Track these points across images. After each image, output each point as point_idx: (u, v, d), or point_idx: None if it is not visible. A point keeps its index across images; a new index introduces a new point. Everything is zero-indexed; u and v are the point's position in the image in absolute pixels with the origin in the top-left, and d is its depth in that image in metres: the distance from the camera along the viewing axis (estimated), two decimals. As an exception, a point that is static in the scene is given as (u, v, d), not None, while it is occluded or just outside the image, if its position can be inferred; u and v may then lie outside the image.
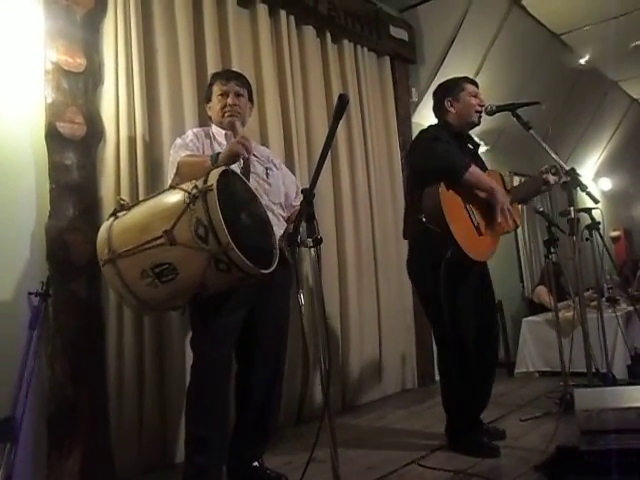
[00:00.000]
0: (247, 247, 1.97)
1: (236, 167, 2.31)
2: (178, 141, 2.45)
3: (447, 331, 2.58)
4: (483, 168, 2.86)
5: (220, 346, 2.26)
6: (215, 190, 1.93)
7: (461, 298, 2.61)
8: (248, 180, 2.35)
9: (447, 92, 2.82)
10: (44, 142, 2.55)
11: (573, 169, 2.77)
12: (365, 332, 3.97)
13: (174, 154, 2.39)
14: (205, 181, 1.98)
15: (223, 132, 2.52)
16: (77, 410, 2.49)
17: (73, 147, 2.60)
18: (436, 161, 2.58)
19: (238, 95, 2.52)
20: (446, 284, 2.47)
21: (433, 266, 2.50)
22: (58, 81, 2.58)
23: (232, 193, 2.07)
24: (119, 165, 2.76)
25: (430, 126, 2.89)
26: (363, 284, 4.00)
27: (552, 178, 2.81)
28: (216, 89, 2.54)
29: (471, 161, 2.68)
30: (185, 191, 2.00)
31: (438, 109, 2.86)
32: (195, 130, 2.54)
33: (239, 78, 2.58)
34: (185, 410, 2.30)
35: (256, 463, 2.43)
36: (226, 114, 2.49)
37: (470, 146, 2.86)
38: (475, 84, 2.85)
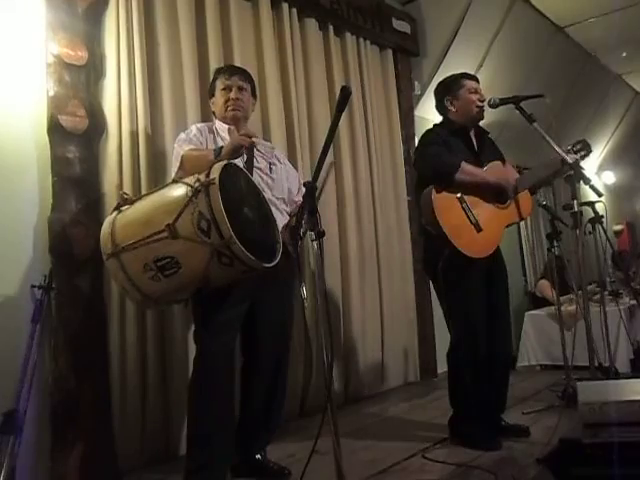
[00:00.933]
0: (250, 241, 1.97)
1: (239, 161, 2.31)
2: (182, 136, 2.46)
3: (452, 328, 2.60)
4: (494, 157, 2.84)
5: (222, 339, 2.26)
6: (217, 184, 1.93)
7: (467, 296, 2.65)
8: (251, 174, 2.35)
9: (446, 91, 2.83)
10: (46, 135, 2.54)
11: (577, 162, 2.76)
12: (367, 325, 3.97)
13: (178, 148, 2.39)
14: (207, 175, 1.98)
15: (226, 127, 2.52)
16: (80, 403, 2.49)
17: (75, 140, 2.59)
18: (428, 166, 2.66)
19: (241, 89, 2.53)
20: (446, 284, 2.56)
21: (436, 265, 2.56)
22: (60, 74, 2.57)
23: (234, 187, 2.07)
24: (121, 158, 2.76)
25: (435, 125, 2.90)
26: (365, 277, 4.00)
27: (571, 157, 2.76)
28: (219, 84, 2.54)
29: (472, 158, 2.70)
30: (188, 185, 2.00)
31: (440, 108, 2.88)
32: (199, 125, 2.54)
33: (242, 73, 2.59)
34: (188, 404, 2.30)
35: (259, 456, 2.44)
36: (229, 108, 2.50)
37: (475, 140, 2.84)
38: (475, 79, 2.84)
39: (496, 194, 2.70)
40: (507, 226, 2.79)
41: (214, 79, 2.60)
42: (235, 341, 2.35)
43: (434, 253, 2.62)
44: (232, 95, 2.50)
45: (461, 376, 2.68)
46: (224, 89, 2.52)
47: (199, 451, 2.19)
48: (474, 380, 2.63)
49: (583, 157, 2.81)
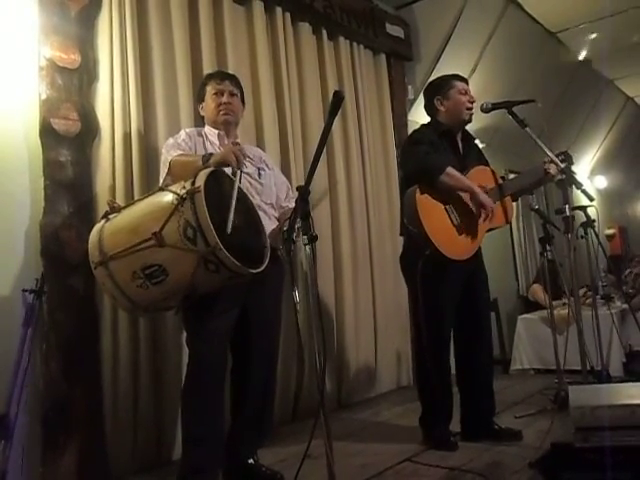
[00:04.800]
0: (237, 247, 1.98)
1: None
2: (170, 141, 2.46)
3: (423, 328, 2.62)
4: (480, 163, 2.86)
5: (215, 346, 2.27)
6: (202, 192, 1.94)
7: (441, 297, 2.67)
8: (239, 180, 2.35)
9: (436, 91, 2.83)
10: (38, 139, 2.53)
11: (568, 167, 2.78)
12: (360, 329, 3.97)
13: (165, 154, 2.40)
14: (193, 182, 1.99)
15: (216, 132, 2.53)
16: (72, 407, 2.48)
17: (67, 143, 2.59)
18: (414, 164, 2.66)
19: (232, 94, 2.55)
20: (423, 283, 2.57)
21: (415, 264, 2.57)
22: (52, 77, 2.56)
23: (222, 193, 2.07)
24: (114, 162, 2.75)
25: (422, 125, 2.91)
26: (359, 282, 4.00)
27: (553, 169, 2.79)
28: (210, 89, 2.55)
29: (457, 161, 2.71)
30: (174, 193, 2.01)
31: (429, 108, 2.88)
32: (187, 130, 2.55)
33: (233, 79, 2.61)
34: (181, 409, 2.31)
35: (251, 460, 2.44)
36: (221, 112, 2.51)
37: (461, 144, 2.85)
38: (465, 81, 2.85)
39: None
40: (488, 230, 2.79)
41: (204, 84, 2.61)
42: (227, 347, 2.36)
43: (414, 252, 2.63)
44: (224, 99, 2.52)
45: (428, 376, 2.69)
46: (215, 94, 2.53)
47: (195, 454, 2.20)
48: (438, 385, 2.66)
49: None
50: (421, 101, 2.96)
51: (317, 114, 3.86)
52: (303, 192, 1.83)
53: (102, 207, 2.61)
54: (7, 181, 2.48)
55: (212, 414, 2.25)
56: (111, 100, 2.77)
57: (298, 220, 1.83)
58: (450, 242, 2.59)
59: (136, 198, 2.60)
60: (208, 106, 2.55)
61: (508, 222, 2.90)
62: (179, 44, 3.08)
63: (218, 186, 2.06)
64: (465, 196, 2.66)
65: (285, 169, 3.48)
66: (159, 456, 2.80)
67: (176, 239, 1.96)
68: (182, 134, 2.49)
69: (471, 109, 2.77)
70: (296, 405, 3.52)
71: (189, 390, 2.27)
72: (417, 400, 2.85)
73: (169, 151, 2.38)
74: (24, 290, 2.44)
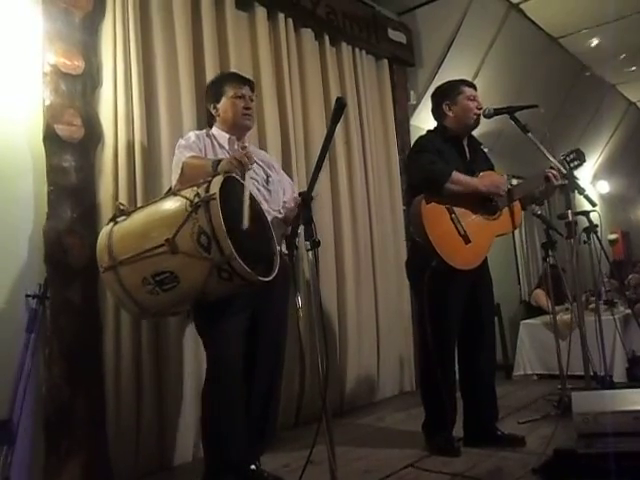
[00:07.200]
0: (248, 253, 1.97)
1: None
2: (181, 142, 2.44)
3: (429, 334, 2.62)
4: (485, 167, 2.86)
5: (232, 345, 2.27)
6: (218, 199, 1.92)
7: (448, 306, 2.67)
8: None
9: (445, 96, 2.82)
10: (42, 144, 2.54)
11: (571, 172, 2.77)
12: (363, 334, 3.96)
13: (179, 154, 2.38)
14: (207, 189, 1.96)
15: (227, 136, 2.50)
16: (74, 413, 2.48)
17: (71, 149, 2.60)
18: (418, 173, 2.67)
19: (251, 100, 2.54)
20: (430, 293, 2.56)
21: (422, 271, 2.57)
22: (56, 83, 2.58)
23: (234, 199, 2.06)
24: (117, 167, 2.76)
25: (428, 131, 2.90)
26: (361, 287, 4.00)
27: (552, 173, 2.77)
28: (230, 90, 2.49)
29: (464, 167, 2.71)
30: (187, 199, 1.98)
31: (436, 113, 2.87)
32: (196, 132, 2.53)
33: (252, 84, 2.59)
34: (203, 412, 2.30)
35: (253, 466, 2.43)
36: (245, 116, 2.49)
37: (467, 149, 2.85)
38: (473, 87, 2.84)
39: (485, 205, 2.70)
40: (497, 236, 2.78)
41: (221, 84, 2.53)
42: (241, 345, 2.33)
43: (421, 261, 2.62)
44: (247, 104, 2.50)
45: (432, 381, 2.68)
46: (239, 97, 2.48)
47: (224, 452, 2.20)
48: (441, 389, 2.64)
49: (577, 166, 2.82)
50: (424, 106, 2.97)
51: (319, 119, 3.87)
52: (306, 198, 1.83)
53: (105, 212, 2.62)
54: (11, 186, 2.48)
55: (236, 412, 2.25)
56: (114, 106, 2.78)
57: (300, 226, 1.84)
58: (457, 252, 2.59)
59: (143, 202, 2.60)
60: (226, 109, 2.49)
61: (515, 228, 2.89)
62: (182, 50, 3.09)
63: (229, 192, 2.04)
64: (473, 202, 2.66)
65: (287, 175, 3.48)
66: (162, 461, 2.80)
67: (190, 246, 1.93)
68: (192, 136, 2.46)
69: (478, 115, 2.76)
70: (298, 410, 3.51)
71: (212, 391, 2.27)
72: (420, 405, 2.84)
73: (182, 152, 2.36)
74: (27, 295, 2.45)
